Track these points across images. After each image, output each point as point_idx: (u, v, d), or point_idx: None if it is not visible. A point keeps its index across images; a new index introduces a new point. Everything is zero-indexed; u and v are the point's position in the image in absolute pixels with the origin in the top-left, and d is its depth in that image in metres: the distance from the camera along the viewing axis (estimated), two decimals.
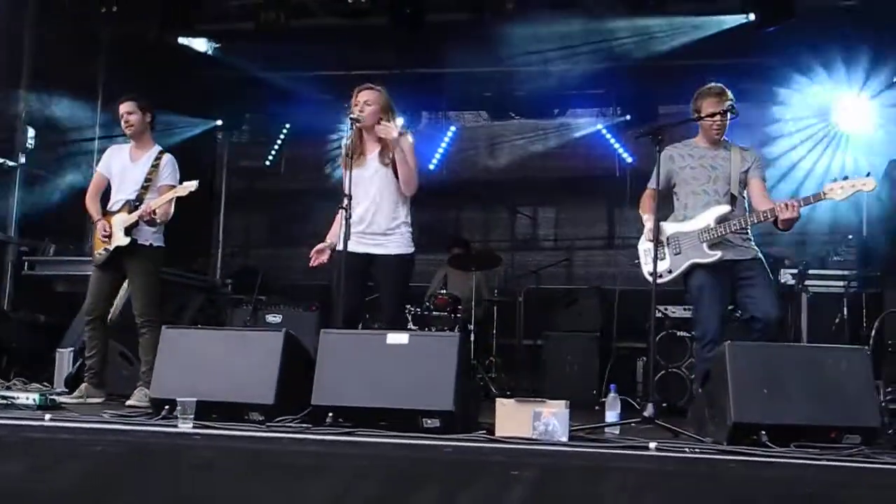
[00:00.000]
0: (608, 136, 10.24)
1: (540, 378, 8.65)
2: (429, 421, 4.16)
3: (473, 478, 3.71)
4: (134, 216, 5.88)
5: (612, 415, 4.83)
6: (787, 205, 4.99)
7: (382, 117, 5.42)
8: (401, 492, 3.71)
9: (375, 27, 8.54)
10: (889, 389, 5.06)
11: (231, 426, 4.15)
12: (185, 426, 4.11)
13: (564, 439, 4.00)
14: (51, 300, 7.66)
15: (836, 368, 4.16)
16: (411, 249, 5.40)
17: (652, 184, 5.44)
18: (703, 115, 5.27)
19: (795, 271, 6.54)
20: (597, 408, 6.68)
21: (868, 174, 4.87)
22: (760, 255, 5.24)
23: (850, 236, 7.23)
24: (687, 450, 3.79)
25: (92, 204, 6.16)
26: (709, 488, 3.45)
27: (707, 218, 5.22)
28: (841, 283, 6.42)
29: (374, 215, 5.32)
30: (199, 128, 10.38)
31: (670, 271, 5.28)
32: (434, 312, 8.85)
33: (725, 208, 5.21)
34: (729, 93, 5.29)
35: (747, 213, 5.27)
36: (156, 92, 6.95)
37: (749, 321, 5.08)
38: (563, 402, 4.12)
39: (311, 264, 5.49)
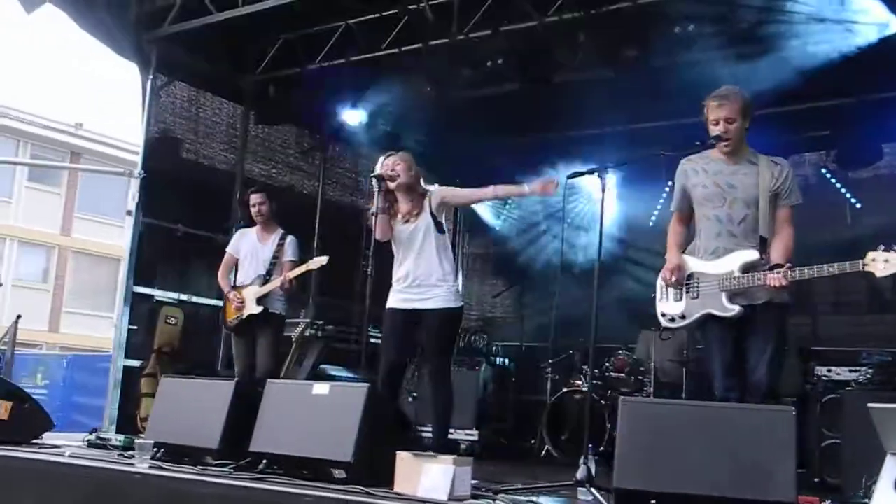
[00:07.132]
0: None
1: None
2: (337, 472, 4.19)
3: None
4: (267, 287, 6.59)
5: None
6: (780, 275, 4.20)
7: (412, 173, 5.53)
8: None
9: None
10: None
11: (177, 468, 4.51)
12: (142, 466, 4.54)
13: (443, 498, 3.83)
14: None
15: (753, 432, 3.54)
16: (457, 304, 5.32)
17: (671, 206, 4.87)
18: (708, 122, 4.50)
19: None
20: None
21: None
22: (782, 297, 4.35)
23: None
24: None
25: (223, 279, 6.98)
26: None
27: (732, 263, 4.42)
28: None
29: (418, 270, 5.29)
30: None
31: (683, 317, 4.56)
32: (613, 374, 8.49)
33: (753, 255, 4.36)
34: (736, 95, 4.45)
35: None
36: None
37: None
38: (451, 458, 3.95)
39: None
